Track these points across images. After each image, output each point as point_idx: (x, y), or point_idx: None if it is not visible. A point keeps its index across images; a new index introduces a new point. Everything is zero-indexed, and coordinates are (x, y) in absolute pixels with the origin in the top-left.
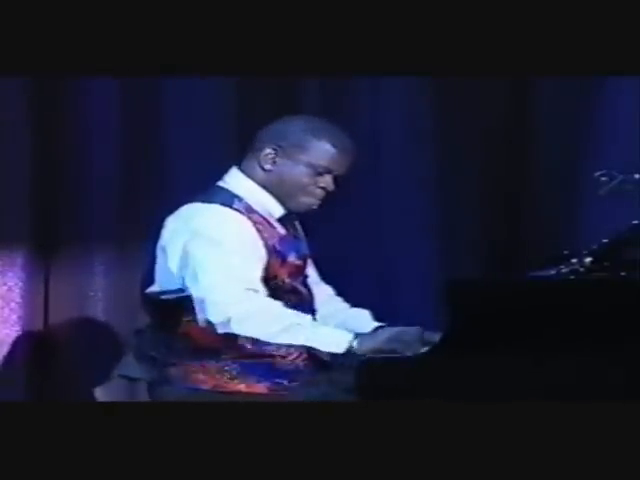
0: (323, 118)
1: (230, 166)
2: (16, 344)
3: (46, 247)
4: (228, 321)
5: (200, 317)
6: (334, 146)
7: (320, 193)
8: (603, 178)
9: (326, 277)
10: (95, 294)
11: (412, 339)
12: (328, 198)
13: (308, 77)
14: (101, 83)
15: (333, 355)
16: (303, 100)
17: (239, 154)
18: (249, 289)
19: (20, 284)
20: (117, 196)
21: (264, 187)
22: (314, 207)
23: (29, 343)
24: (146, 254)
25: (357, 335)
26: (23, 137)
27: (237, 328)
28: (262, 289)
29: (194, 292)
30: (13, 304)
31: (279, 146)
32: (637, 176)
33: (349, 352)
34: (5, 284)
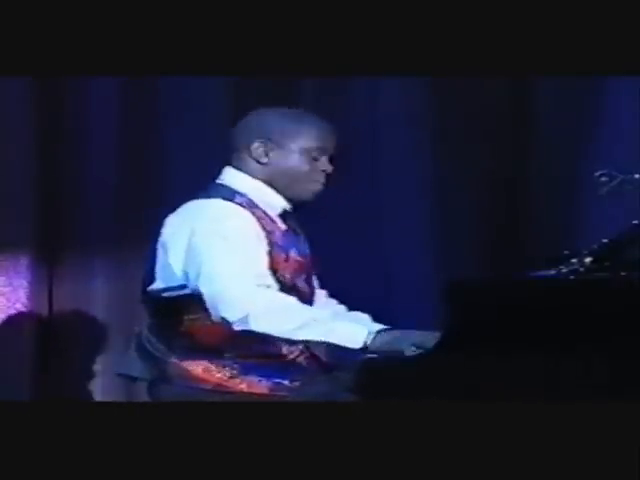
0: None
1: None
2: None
3: (50, 247)
4: (246, 318)
5: (214, 314)
6: (317, 127)
7: (321, 177)
8: (603, 178)
9: (325, 278)
10: (98, 294)
11: (427, 343)
12: (325, 192)
13: (306, 77)
14: (99, 82)
15: (334, 356)
16: (301, 100)
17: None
18: (261, 284)
19: (24, 284)
20: (118, 197)
21: (264, 181)
22: (318, 192)
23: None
24: (147, 253)
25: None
26: (25, 138)
27: (255, 325)
28: (273, 283)
29: (204, 289)
30: (18, 304)
31: (267, 138)
32: (637, 176)
33: (365, 348)
34: (10, 284)
